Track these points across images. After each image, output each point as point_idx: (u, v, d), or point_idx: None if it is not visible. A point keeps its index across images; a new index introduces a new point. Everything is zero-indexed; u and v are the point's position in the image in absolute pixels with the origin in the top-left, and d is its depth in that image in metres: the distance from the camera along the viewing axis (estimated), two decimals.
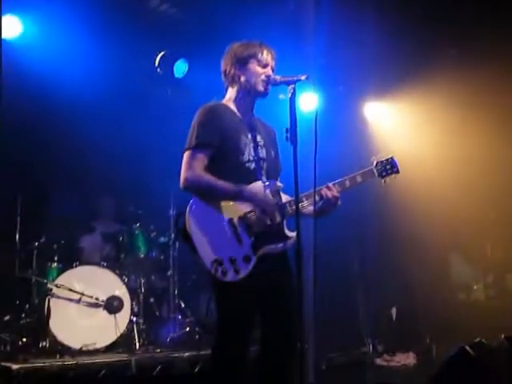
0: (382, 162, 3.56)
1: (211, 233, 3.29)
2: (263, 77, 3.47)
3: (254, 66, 3.50)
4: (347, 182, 3.48)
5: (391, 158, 3.58)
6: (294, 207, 3.26)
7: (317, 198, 3.37)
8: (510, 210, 7.04)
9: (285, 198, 3.49)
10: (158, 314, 6.61)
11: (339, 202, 3.45)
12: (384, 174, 3.55)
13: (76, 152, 6.89)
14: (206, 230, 3.29)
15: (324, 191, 3.42)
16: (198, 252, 3.27)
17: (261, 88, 3.49)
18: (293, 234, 3.37)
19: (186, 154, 3.41)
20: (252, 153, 3.46)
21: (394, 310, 7.23)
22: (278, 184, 3.45)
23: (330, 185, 3.44)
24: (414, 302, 7.23)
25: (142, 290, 6.32)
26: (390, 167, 3.56)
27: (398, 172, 3.57)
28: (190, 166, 3.37)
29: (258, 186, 3.41)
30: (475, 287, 7.54)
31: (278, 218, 3.38)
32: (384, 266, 7.55)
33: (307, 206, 3.38)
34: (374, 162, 3.56)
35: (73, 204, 7.01)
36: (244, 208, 3.36)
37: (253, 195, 3.36)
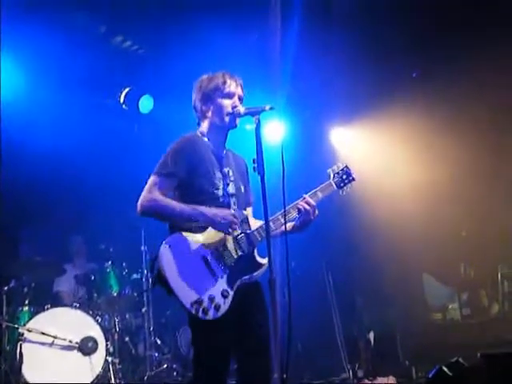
0: (338, 173, 3.65)
1: (187, 274, 3.25)
2: (229, 109, 3.47)
3: (219, 100, 3.49)
4: (314, 197, 3.54)
5: (345, 166, 3.68)
6: (263, 234, 3.31)
7: (295, 213, 3.45)
8: (480, 228, 7.12)
9: (255, 223, 3.50)
10: (134, 352, 6.51)
11: (317, 212, 3.51)
12: (342, 184, 3.64)
13: (43, 192, 6.82)
14: (181, 272, 3.25)
15: (301, 204, 3.47)
16: (177, 295, 3.22)
17: (227, 121, 3.49)
18: (265, 261, 3.37)
19: (150, 179, 3.42)
20: (225, 188, 3.47)
21: (371, 335, 7.22)
22: (245, 212, 3.48)
23: (307, 196, 3.50)
24: (391, 324, 7.23)
25: (117, 329, 6.23)
26: (345, 177, 3.65)
27: (353, 180, 3.66)
28: (148, 192, 3.37)
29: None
30: (450, 306, 7.59)
31: (250, 248, 3.39)
32: (358, 291, 7.56)
33: (280, 227, 3.40)
34: (330, 175, 3.65)
35: (42, 246, 6.91)
36: (214, 242, 3.35)
37: (210, 212, 3.32)
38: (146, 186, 3.39)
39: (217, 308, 3.23)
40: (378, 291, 7.29)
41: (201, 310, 3.20)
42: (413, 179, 7.05)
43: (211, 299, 3.23)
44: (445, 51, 6.55)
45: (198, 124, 3.61)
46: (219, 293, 3.27)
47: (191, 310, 3.19)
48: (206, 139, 3.54)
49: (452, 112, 6.78)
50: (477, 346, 5.48)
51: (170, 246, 3.29)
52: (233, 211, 3.39)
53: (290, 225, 3.47)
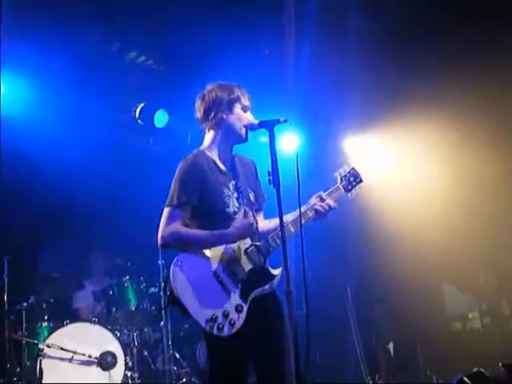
0: (345, 176, 3.62)
1: (199, 291, 3.23)
2: (246, 122, 3.47)
3: (239, 111, 3.49)
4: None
5: (352, 169, 3.65)
6: (273, 244, 3.35)
7: (312, 214, 3.44)
8: (501, 236, 7.05)
9: (265, 225, 3.51)
10: (153, 366, 6.50)
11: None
12: (350, 187, 3.61)
13: (61, 208, 6.87)
14: (194, 290, 3.23)
15: (319, 205, 3.46)
16: (191, 314, 3.20)
17: (243, 134, 3.49)
18: (277, 272, 3.37)
19: (165, 212, 3.40)
20: (236, 203, 3.45)
21: (391, 345, 7.17)
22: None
23: (323, 195, 3.49)
24: (411, 335, 7.17)
25: (136, 343, 6.23)
26: (353, 179, 3.62)
27: (361, 181, 3.63)
28: (167, 224, 3.36)
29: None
30: (470, 316, 7.50)
31: (262, 259, 3.37)
32: (377, 301, 7.51)
33: (295, 227, 3.39)
34: (338, 179, 3.62)
35: (60, 262, 6.95)
36: (224, 257, 3.33)
37: (234, 231, 3.33)
38: (164, 220, 3.37)
39: (232, 324, 3.21)
40: (397, 300, 7.23)
41: (215, 326, 3.18)
42: (431, 188, 7.00)
43: (225, 315, 3.21)
44: (460, 59, 6.51)
45: (203, 131, 3.58)
46: (233, 308, 3.25)
47: (206, 327, 3.17)
48: (212, 153, 3.52)
49: (471, 121, 6.71)
50: (498, 355, 5.41)
51: (180, 265, 3.27)
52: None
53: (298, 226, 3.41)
